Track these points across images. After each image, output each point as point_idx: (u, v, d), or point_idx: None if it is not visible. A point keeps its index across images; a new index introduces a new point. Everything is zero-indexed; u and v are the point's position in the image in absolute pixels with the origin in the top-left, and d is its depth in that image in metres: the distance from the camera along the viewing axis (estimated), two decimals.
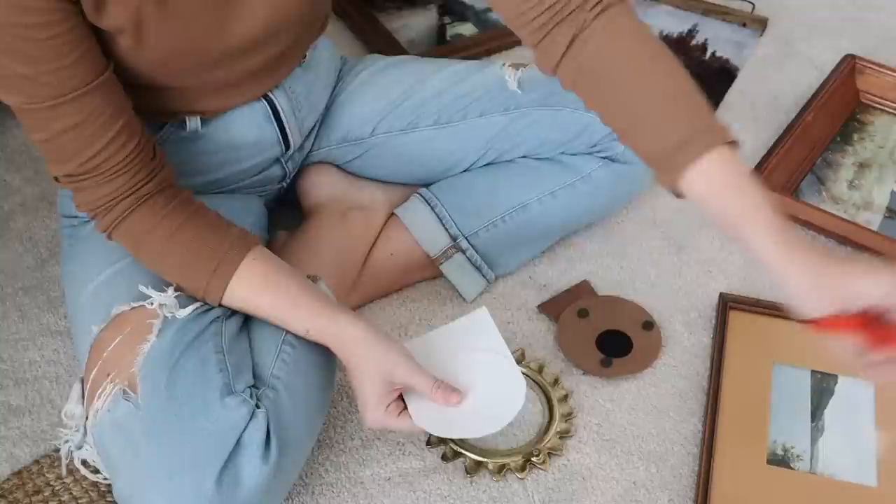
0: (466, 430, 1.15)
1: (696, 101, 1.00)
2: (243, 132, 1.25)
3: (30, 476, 1.22)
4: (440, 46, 1.82)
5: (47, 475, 1.22)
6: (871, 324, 0.89)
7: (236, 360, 1.09)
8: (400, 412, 1.12)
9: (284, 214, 1.47)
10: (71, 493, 1.20)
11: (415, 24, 1.86)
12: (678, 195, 1.00)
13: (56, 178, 1.09)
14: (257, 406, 1.06)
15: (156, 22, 1.06)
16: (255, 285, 1.10)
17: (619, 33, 1.02)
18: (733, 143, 0.97)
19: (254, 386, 1.08)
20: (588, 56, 1.02)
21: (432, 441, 1.26)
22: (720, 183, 0.96)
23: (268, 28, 1.14)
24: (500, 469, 1.23)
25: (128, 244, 1.11)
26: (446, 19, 1.88)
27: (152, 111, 1.18)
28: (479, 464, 1.24)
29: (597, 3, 1.01)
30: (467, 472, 1.23)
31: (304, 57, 1.29)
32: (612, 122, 1.04)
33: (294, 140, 1.32)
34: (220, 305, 1.12)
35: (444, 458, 1.25)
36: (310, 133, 1.39)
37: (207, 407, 1.04)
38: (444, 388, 1.10)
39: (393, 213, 1.42)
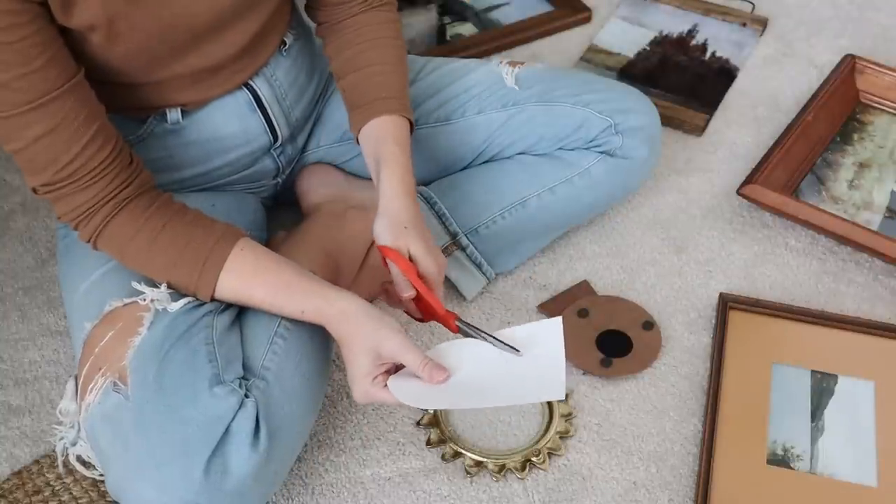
0: (443, 403, 1.13)
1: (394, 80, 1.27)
2: (226, 122, 1.25)
3: (30, 476, 1.22)
4: (440, 46, 1.82)
5: (47, 475, 1.22)
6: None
7: (226, 351, 1.10)
8: (386, 385, 1.11)
9: (284, 215, 1.47)
10: (71, 493, 1.20)
11: (415, 23, 1.86)
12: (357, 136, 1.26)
13: (34, 190, 1.08)
14: (246, 396, 1.06)
15: (126, 13, 1.06)
16: (246, 274, 1.11)
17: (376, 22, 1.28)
18: (404, 116, 1.24)
19: (244, 377, 1.09)
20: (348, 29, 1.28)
21: (432, 441, 1.26)
22: (384, 132, 1.22)
23: (233, 5, 1.14)
24: (500, 469, 1.23)
25: (112, 251, 1.11)
26: (446, 19, 1.88)
27: (132, 107, 1.18)
28: (479, 464, 1.24)
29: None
30: (467, 472, 1.23)
31: (284, 44, 1.29)
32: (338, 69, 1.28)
33: (282, 130, 1.31)
34: (213, 300, 1.12)
35: (444, 458, 1.25)
36: (304, 129, 1.39)
37: (196, 396, 1.05)
38: (432, 365, 1.08)
39: None
